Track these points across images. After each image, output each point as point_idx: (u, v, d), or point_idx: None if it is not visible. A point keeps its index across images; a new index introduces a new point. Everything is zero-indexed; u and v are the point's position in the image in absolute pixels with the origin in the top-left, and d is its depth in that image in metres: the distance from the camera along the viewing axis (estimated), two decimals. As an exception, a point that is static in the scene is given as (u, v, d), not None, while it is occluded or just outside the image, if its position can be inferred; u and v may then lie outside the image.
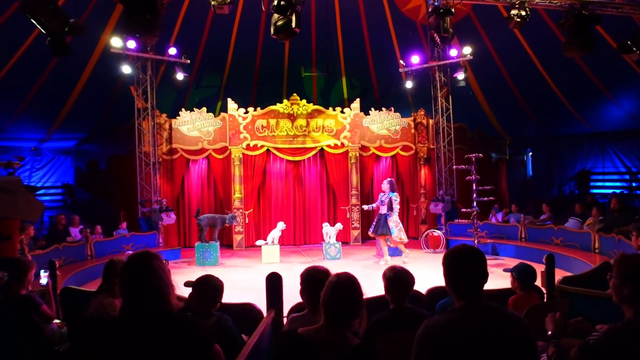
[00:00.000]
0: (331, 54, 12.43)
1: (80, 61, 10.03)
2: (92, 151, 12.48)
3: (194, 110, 11.23)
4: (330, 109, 11.53)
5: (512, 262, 5.40)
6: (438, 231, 10.62)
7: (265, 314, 3.57)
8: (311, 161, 11.66)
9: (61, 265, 7.43)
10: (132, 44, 9.85)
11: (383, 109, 11.86)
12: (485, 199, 9.33)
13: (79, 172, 12.73)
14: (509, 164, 14.76)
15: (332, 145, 11.42)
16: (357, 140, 11.49)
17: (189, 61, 10.69)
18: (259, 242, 9.83)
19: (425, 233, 10.78)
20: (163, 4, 5.78)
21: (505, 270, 3.85)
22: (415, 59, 11.18)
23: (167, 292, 1.98)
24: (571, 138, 13.92)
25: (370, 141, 11.77)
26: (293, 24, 5.78)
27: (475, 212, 9.10)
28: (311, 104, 11.47)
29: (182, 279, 3.35)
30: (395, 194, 8.93)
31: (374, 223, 9.16)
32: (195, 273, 5.67)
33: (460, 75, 10.77)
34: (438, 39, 8.59)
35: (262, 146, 11.22)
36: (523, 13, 6.97)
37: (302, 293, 2.77)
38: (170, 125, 11.10)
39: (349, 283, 2.08)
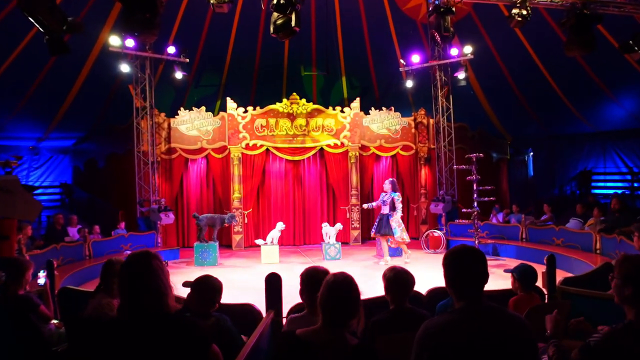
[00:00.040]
0: (331, 53, 12.41)
1: (78, 60, 10.02)
2: (90, 150, 12.45)
3: (192, 110, 11.20)
4: (330, 108, 11.51)
5: (513, 263, 5.39)
6: (438, 231, 10.59)
7: (264, 314, 3.56)
8: (311, 161, 11.63)
9: (59, 265, 7.41)
10: (130, 42, 9.84)
11: (383, 108, 11.84)
12: (486, 199, 9.31)
13: (77, 171, 12.70)
14: (510, 163, 14.73)
15: (332, 144, 11.39)
16: (357, 140, 11.46)
17: (187, 60, 10.67)
18: (258, 241, 9.81)
19: (426, 233, 10.76)
20: (162, 2, 5.75)
21: (506, 270, 3.84)
22: (415, 58, 11.16)
23: (166, 293, 1.98)
24: (572, 137, 13.90)
25: (370, 141, 11.75)
26: (293, 23, 5.75)
27: (475, 213, 9.07)
28: (311, 103, 11.44)
29: (180, 279, 3.33)
30: (397, 194, 8.92)
31: (376, 223, 9.14)
32: (194, 273, 5.66)
33: (461, 75, 10.75)
34: (439, 38, 8.58)
35: (261, 146, 11.19)
36: (524, 12, 6.94)
37: (301, 293, 2.76)
38: (169, 124, 11.07)
39: (345, 283, 2.07)
